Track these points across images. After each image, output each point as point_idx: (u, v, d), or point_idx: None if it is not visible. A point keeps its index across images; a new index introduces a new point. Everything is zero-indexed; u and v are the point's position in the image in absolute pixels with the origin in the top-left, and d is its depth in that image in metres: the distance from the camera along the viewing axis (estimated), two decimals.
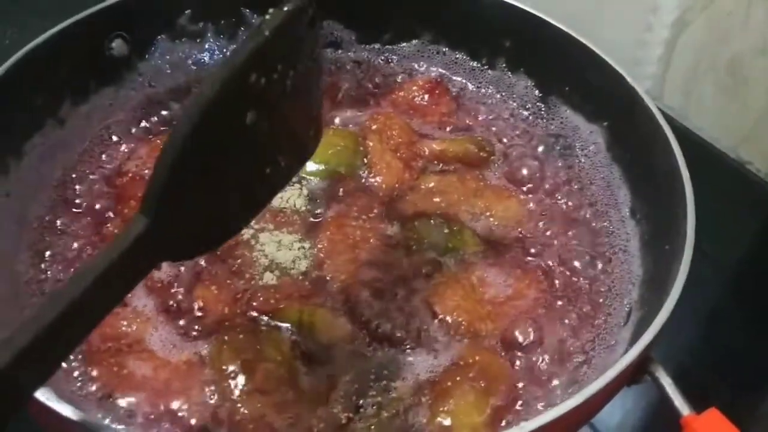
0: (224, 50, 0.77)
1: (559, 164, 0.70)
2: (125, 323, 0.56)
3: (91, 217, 0.64)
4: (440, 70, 0.78)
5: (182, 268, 0.60)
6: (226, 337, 0.55)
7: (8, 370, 0.34)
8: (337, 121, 0.73)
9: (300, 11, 0.43)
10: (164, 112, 0.72)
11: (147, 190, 0.39)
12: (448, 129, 0.73)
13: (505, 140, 0.72)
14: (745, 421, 0.47)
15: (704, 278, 0.55)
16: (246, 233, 0.62)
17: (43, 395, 0.42)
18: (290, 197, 0.66)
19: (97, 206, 0.64)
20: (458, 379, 0.54)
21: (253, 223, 0.62)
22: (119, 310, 0.57)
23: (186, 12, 0.73)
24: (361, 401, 0.53)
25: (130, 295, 0.58)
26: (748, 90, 0.81)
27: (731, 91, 0.83)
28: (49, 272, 0.60)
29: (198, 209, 0.41)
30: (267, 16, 0.42)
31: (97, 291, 0.37)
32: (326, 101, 0.74)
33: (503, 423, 0.52)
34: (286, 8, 0.42)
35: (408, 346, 0.56)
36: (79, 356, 0.54)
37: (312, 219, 0.64)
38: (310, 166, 0.67)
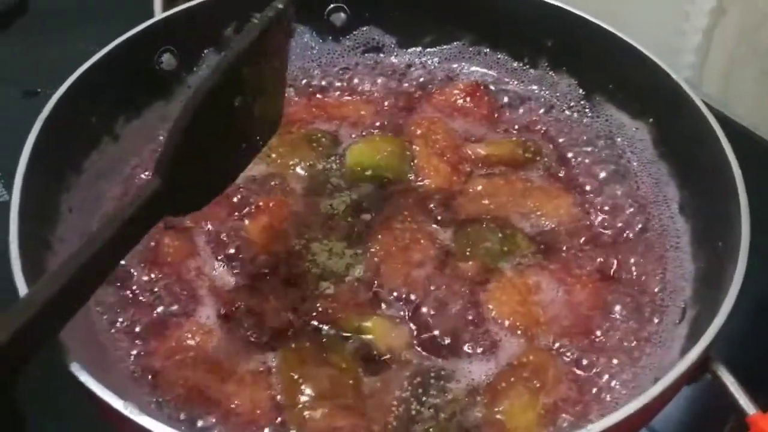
0: None
1: (606, 162, 0.70)
2: (189, 335, 0.57)
3: None
4: (482, 70, 0.78)
5: (238, 280, 0.61)
6: (293, 345, 0.56)
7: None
8: (379, 125, 0.73)
9: (280, 18, 0.54)
10: None
11: (161, 156, 0.50)
12: (491, 130, 0.73)
13: (550, 140, 0.72)
14: None
15: (755, 270, 0.54)
16: (296, 244, 0.63)
17: (125, 409, 0.44)
18: (339, 204, 0.66)
19: None
20: (512, 379, 0.55)
21: (303, 233, 0.64)
22: (183, 322, 0.58)
23: (231, 24, 0.74)
24: (419, 404, 0.54)
25: (193, 307, 0.60)
26: None
27: None
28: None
29: (196, 171, 0.51)
30: (254, 20, 0.53)
31: (120, 237, 0.46)
32: (371, 107, 0.75)
33: (565, 425, 0.53)
34: (269, 14, 0.53)
35: (463, 350, 0.57)
36: (146, 371, 0.56)
37: (362, 225, 0.64)
38: (359, 171, 0.68)
